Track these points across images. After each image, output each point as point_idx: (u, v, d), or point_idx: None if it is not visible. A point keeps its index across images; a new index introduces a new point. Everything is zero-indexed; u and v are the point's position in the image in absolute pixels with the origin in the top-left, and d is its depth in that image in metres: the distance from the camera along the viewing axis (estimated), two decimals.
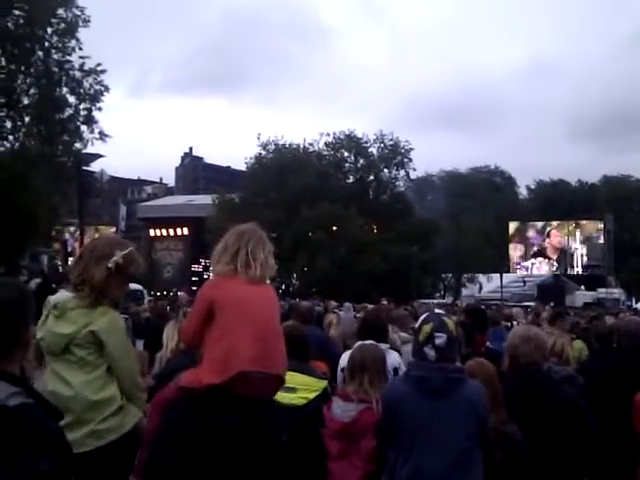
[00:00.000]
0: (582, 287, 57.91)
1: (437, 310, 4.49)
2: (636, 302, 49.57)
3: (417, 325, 3.94)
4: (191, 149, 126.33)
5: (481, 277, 58.20)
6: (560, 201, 73.17)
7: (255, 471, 3.31)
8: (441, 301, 43.98)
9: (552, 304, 31.40)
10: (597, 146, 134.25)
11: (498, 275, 53.99)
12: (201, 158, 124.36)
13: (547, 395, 4.46)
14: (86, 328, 3.60)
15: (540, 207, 73.79)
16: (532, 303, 34.02)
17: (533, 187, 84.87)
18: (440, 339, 3.77)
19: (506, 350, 4.77)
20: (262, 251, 3.65)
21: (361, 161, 54.68)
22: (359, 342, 5.03)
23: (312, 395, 4.48)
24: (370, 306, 18.04)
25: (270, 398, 3.55)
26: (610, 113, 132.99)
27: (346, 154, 54.71)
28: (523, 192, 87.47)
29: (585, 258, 66.47)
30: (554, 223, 66.93)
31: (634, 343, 5.77)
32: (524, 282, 58.85)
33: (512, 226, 68.05)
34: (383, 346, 5.21)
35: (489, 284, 57.53)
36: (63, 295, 3.71)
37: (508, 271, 61.34)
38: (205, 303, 3.48)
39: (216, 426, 3.28)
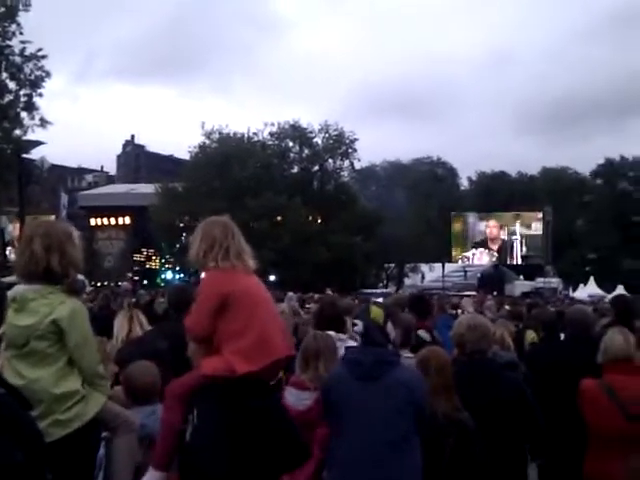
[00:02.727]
0: (521, 277, 59.03)
1: (377, 300, 4.64)
2: (573, 291, 50.68)
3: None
4: (133, 137, 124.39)
5: (423, 267, 58.81)
6: (500, 192, 74.36)
7: (278, 449, 3.51)
8: (384, 290, 44.26)
9: (494, 293, 32.11)
10: (538, 138, 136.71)
11: (440, 265, 54.67)
12: (143, 146, 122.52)
13: (493, 381, 4.59)
14: (48, 318, 3.57)
15: (480, 198, 74.91)
16: (473, 292, 34.55)
17: (474, 178, 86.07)
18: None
19: (452, 338, 4.90)
20: (245, 243, 3.81)
21: (306, 151, 54.61)
22: (312, 331, 5.06)
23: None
24: (317, 296, 18.14)
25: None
26: (551, 106, 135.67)
27: (291, 144, 54.62)
28: (465, 183, 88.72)
29: (524, 248, 67.73)
30: (494, 214, 67.98)
31: (579, 331, 5.94)
32: (465, 272, 59.71)
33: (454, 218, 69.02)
34: (343, 336, 5.21)
35: (431, 274, 58.20)
36: (20, 288, 3.66)
37: (450, 261, 62.15)
38: (218, 297, 3.54)
39: (252, 410, 3.43)
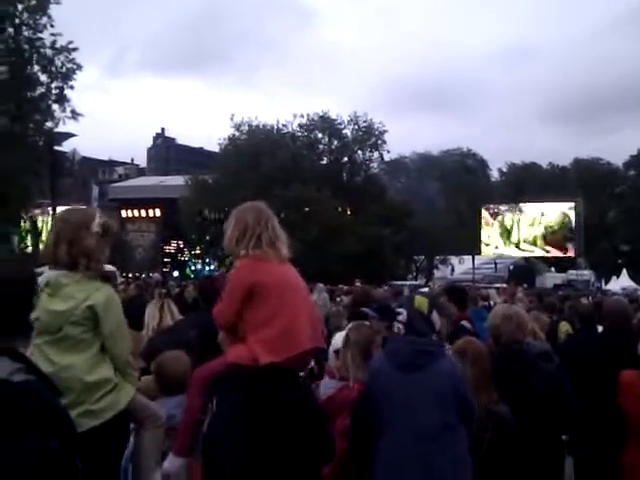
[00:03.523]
0: (552, 269, 58.40)
1: (422, 290, 4.55)
2: (605, 283, 50.06)
3: None
4: (163, 130, 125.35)
5: (453, 259, 58.43)
6: (531, 184, 73.57)
7: (309, 443, 3.41)
8: (414, 282, 44.06)
9: (525, 285, 31.78)
10: (569, 129, 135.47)
11: (470, 257, 54.25)
12: (173, 139, 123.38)
13: (529, 373, 4.50)
14: (84, 303, 3.52)
15: (511, 190, 74.16)
16: (504, 285, 34.28)
17: (505, 170, 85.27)
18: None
19: (488, 329, 4.81)
20: (280, 230, 3.70)
21: (335, 142, 54.50)
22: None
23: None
24: (346, 288, 18.07)
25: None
26: (582, 97, 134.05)
27: (320, 135, 54.53)
28: (495, 175, 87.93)
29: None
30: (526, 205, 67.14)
31: (618, 323, 5.81)
32: (495, 264, 59.21)
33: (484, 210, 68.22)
34: None
35: (461, 266, 57.79)
36: (52, 273, 3.60)
37: (479, 253, 61.64)
38: (245, 286, 3.46)
39: (278, 402, 3.34)
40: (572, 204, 64.68)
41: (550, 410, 4.42)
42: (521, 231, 65.85)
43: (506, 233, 66.40)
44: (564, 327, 7.83)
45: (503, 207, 68.11)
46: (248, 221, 3.60)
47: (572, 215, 64.92)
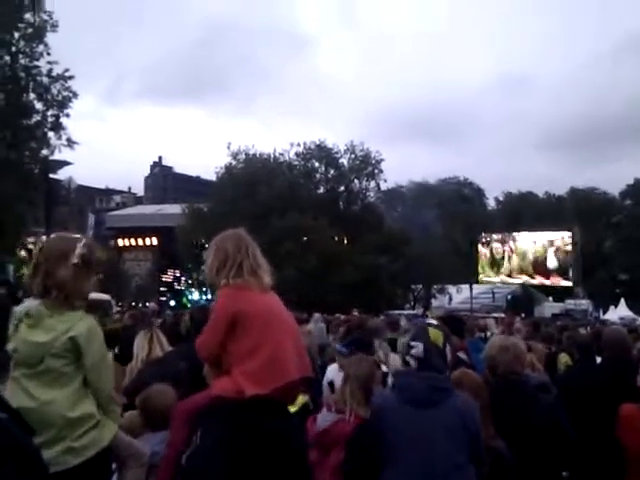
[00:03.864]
0: (550, 298, 58.26)
1: (430, 320, 4.44)
2: (603, 313, 49.90)
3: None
4: (160, 158, 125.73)
5: (451, 288, 58.27)
6: (528, 213, 73.73)
7: (294, 474, 3.31)
8: (411, 312, 43.88)
9: (523, 315, 31.62)
10: (565, 158, 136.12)
11: (468, 286, 54.10)
12: (170, 167, 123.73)
13: (527, 405, 4.39)
14: (65, 335, 3.35)
15: (508, 219, 74.29)
16: (502, 314, 34.10)
17: (501, 199, 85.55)
18: (416, 348, 3.72)
19: (485, 360, 4.71)
20: (261, 257, 3.57)
21: (332, 171, 54.63)
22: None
23: (292, 410, 4.34)
24: (343, 317, 17.88)
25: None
26: (578, 127, 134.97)
27: (317, 164, 54.67)
28: (491, 204, 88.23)
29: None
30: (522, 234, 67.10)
31: (617, 353, 5.69)
32: (493, 293, 59.06)
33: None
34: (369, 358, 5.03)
35: (459, 295, 57.58)
36: (34, 303, 3.46)
37: (477, 282, 61.49)
38: (227, 316, 3.33)
39: (262, 433, 3.22)
40: (568, 233, 64.60)
41: (548, 443, 4.29)
42: (512, 262, 65.86)
43: (496, 265, 66.48)
44: (563, 358, 7.68)
45: (496, 236, 67.97)
46: (228, 249, 3.48)
47: (561, 245, 64.75)
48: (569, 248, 63.89)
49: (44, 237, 4.11)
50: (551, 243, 64.64)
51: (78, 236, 3.69)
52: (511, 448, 3.94)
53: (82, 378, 3.41)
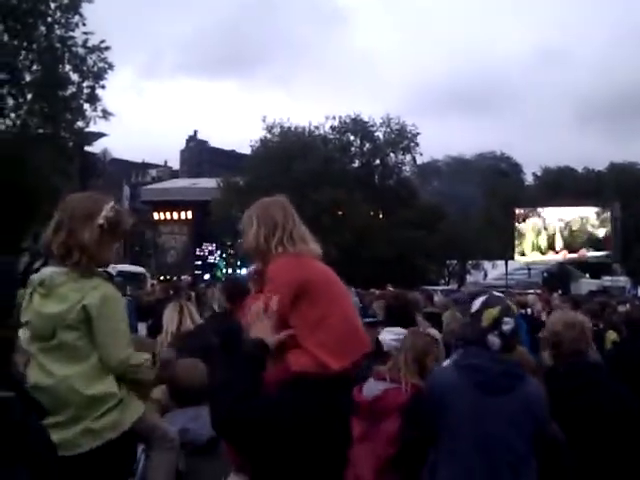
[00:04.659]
0: (587, 275, 57.43)
1: (496, 292, 4.09)
2: None
3: (476, 308, 3.48)
4: (196, 132, 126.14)
5: (486, 264, 57.73)
6: (567, 188, 72.58)
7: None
8: (446, 287, 43.55)
9: (560, 292, 31.14)
10: (605, 133, 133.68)
11: (503, 262, 53.48)
12: (205, 141, 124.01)
13: (596, 389, 4.03)
14: (79, 304, 3.09)
15: (546, 194, 73.24)
16: (538, 290, 33.64)
17: (539, 174, 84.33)
18: (508, 325, 3.33)
19: (547, 338, 4.38)
20: (305, 227, 3.29)
21: (367, 145, 54.18)
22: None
23: None
24: (378, 292, 17.70)
25: None
26: (617, 100, 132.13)
27: (352, 138, 54.24)
28: (529, 179, 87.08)
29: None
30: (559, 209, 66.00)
31: None
32: (529, 270, 58.38)
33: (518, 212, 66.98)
34: None
35: (494, 271, 57.11)
36: (48, 271, 3.19)
37: (513, 258, 60.82)
38: (292, 285, 3.01)
39: (341, 410, 2.97)
40: (608, 210, 63.40)
41: (618, 432, 3.93)
42: (550, 237, 64.73)
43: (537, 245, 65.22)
44: (611, 335, 7.41)
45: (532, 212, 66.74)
46: (276, 217, 3.18)
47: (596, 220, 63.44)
48: (607, 223, 62.66)
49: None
50: (587, 219, 63.43)
51: (106, 197, 3.42)
52: (573, 436, 3.63)
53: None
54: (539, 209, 64.22)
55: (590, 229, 62.82)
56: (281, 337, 2.92)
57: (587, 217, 62.81)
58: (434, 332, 4.56)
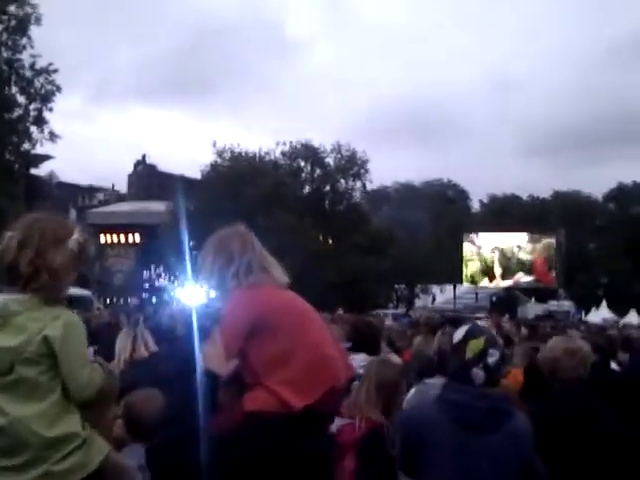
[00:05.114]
0: (532, 299, 58.35)
1: (480, 322, 3.95)
2: (585, 315, 50.04)
3: (459, 338, 3.23)
4: (144, 156, 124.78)
5: (434, 288, 58.25)
6: (512, 215, 73.82)
7: None
8: (395, 311, 43.75)
9: (507, 316, 31.52)
10: (549, 162, 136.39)
11: (451, 287, 54.02)
12: (154, 165, 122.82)
13: (592, 418, 3.86)
14: (38, 335, 2.79)
15: (492, 221, 74.37)
16: (485, 315, 33.99)
17: (486, 201, 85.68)
18: (493, 357, 3.12)
19: (541, 362, 4.26)
20: (268, 254, 3.14)
21: (317, 171, 54.38)
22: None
23: None
24: (330, 316, 17.66)
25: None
26: (561, 131, 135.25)
27: (302, 164, 54.40)
28: (475, 206, 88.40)
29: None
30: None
31: None
32: (476, 294, 59.06)
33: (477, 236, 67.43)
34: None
35: (442, 295, 57.65)
36: (0, 298, 2.87)
37: (461, 282, 61.45)
38: (247, 320, 2.83)
39: (310, 452, 2.69)
40: (553, 236, 64.60)
41: (612, 465, 3.75)
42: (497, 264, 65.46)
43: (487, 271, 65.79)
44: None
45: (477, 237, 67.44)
46: (232, 248, 3.03)
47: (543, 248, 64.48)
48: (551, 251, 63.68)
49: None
50: (534, 246, 64.38)
51: (70, 221, 3.22)
52: (567, 466, 3.53)
53: (61, 389, 2.86)
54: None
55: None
56: (232, 367, 2.74)
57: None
58: (396, 359, 4.49)
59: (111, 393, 3.23)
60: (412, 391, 4.24)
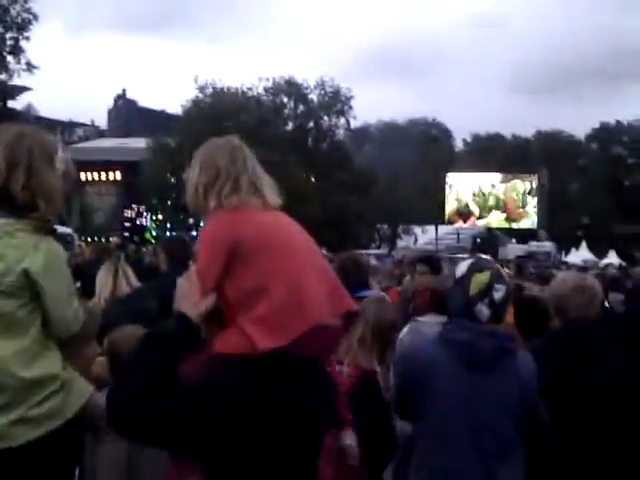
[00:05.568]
0: (513, 240, 58.72)
1: (483, 256, 3.69)
2: (565, 255, 50.45)
3: (462, 273, 3.02)
4: (124, 91, 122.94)
5: (416, 228, 58.36)
6: (495, 154, 73.68)
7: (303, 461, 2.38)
8: (378, 251, 43.80)
9: (489, 256, 31.63)
10: (533, 101, 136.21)
11: (433, 227, 54.14)
12: (135, 101, 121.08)
13: (594, 362, 3.65)
14: (18, 266, 2.52)
15: (476, 160, 74.23)
16: (465, 255, 34.08)
17: (469, 140, 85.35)
18: (499, 292, 2.91)
19: (550, 300, 3.99)
20: (262, 171, 2.67)
21: (301, 107, 53.73)
22: None
23: None
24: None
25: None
26: (546, 69, 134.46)
27: (285, 100, 53.68)
28: (459, 145, 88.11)
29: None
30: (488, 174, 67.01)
31: None
32: (458, 234, 59.29)
33: (451, 177, 67.70)
34: None
35: (424, 236, 57.78)
36: None
37: (443, 223, 61.63)
38: (223, 245, 2.39)
39: (282, 401, 2.25)
40: (536, 176, 64.74)
41: (617, 413, 3.58)
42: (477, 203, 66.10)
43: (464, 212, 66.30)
44: None
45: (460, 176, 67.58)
46: (219, 162, 2.59)
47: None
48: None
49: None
50: (506, 186, 64.95)
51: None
52: (568, 415, 3.34)
53: (41, 326, 2.62)
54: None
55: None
56: (203, 308, 2.34)
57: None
58: (388, 298, 4.34)
59: (91, 329, 3.04)
60: (404, 330, 4.07)
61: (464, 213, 65.07)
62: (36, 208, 2.58)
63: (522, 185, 64.53)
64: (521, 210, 64.65)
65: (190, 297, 2.36)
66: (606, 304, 6.48)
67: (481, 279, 2.96)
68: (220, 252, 2.39)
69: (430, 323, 4.05)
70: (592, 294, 3.84)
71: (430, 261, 7.27)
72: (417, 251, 40.63)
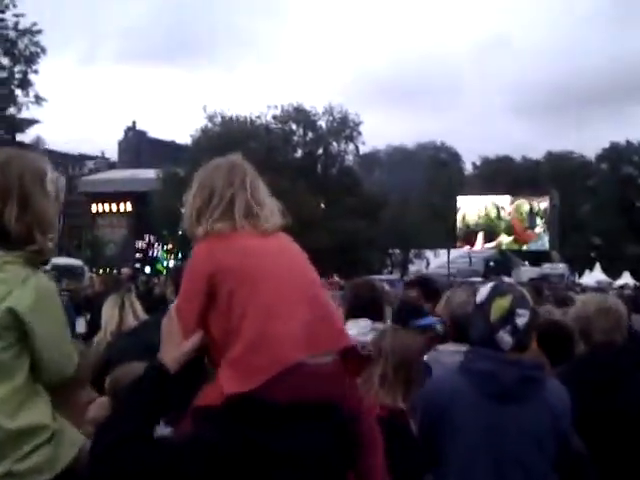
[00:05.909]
0: (526, 262, 58.36)
1: (507, 279, 3.48)
2: (579, 277, 50.04)
3: (483, 299, 2.85)
4: (134, 123, 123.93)
5: (428, 252, 58.12)
6: (505, 177, 73.56)
7: None
8: (390, 277, 43.56)
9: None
10: (542, 123, 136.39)
11: (445, 251, 53.90)
12: (144, 132, 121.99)
13: (621, 387, 3.49)
14: (2, 304, 2.26)
15: (485, 183, 74.10)
16: (479, 279, 33.84)
17: (478, 164, 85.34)
18: (522, 318, 2.72)
19: (575, 325, 3.83)
20: (264, 192, 2.40)
21: (310, 134, 53.89)
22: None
23: None
24: (325, 281, 17.40)
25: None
26: (555, 91, 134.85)
27: (294, 127, 53.88)
28: (469, 168, 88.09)
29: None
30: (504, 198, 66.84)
31: None
32: (470, 258, 58.98)
33: (460, 200, 67.62)
34: (380, 325, 4.29)
35: (436, 259, 57.48)
36: None
37: (455, 246, 61.37)
38: (204, 280, 2.12)
39: (263, 450, 1.99)
40: (547, 198, 64.52)
41: None
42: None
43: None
44: None
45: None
46: (215, 183, 2.33)
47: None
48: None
49: None
50: (530, 207, 64.63)
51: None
52: (597, 441, 3.15)
53: (28, 369, 2.35)
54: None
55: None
56: (186, 350, 2.09)
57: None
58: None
59: (84, 372, 2.82)
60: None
61: (472, 236, 64.86)
62: (32, 240, 2.36)
63: (527, 205, 64.21)
64: (530, 232, 64.31)
65: (173, 338, 2.11)
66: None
67: (502, 304, 2.80)
68: (199, 285, 2.13)
69: (450, 352, 3.86)
70: (617, 316, 3.67)
71: (423, 285, 6.42)
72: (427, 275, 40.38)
